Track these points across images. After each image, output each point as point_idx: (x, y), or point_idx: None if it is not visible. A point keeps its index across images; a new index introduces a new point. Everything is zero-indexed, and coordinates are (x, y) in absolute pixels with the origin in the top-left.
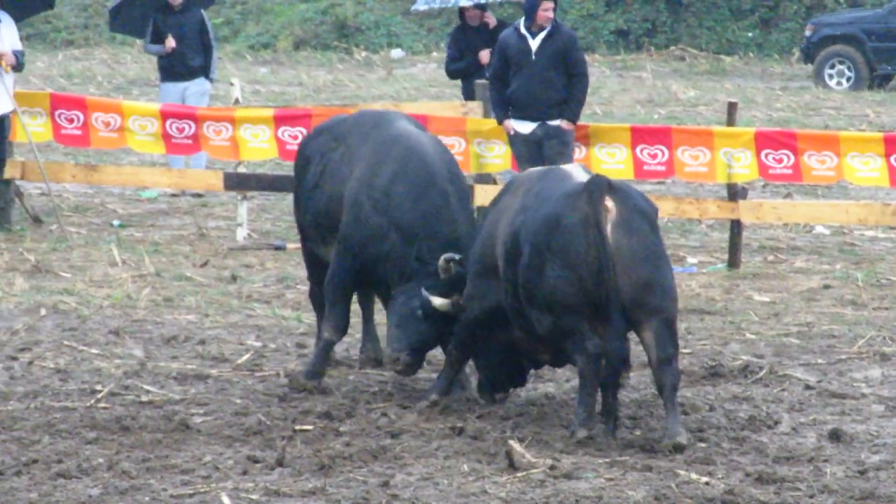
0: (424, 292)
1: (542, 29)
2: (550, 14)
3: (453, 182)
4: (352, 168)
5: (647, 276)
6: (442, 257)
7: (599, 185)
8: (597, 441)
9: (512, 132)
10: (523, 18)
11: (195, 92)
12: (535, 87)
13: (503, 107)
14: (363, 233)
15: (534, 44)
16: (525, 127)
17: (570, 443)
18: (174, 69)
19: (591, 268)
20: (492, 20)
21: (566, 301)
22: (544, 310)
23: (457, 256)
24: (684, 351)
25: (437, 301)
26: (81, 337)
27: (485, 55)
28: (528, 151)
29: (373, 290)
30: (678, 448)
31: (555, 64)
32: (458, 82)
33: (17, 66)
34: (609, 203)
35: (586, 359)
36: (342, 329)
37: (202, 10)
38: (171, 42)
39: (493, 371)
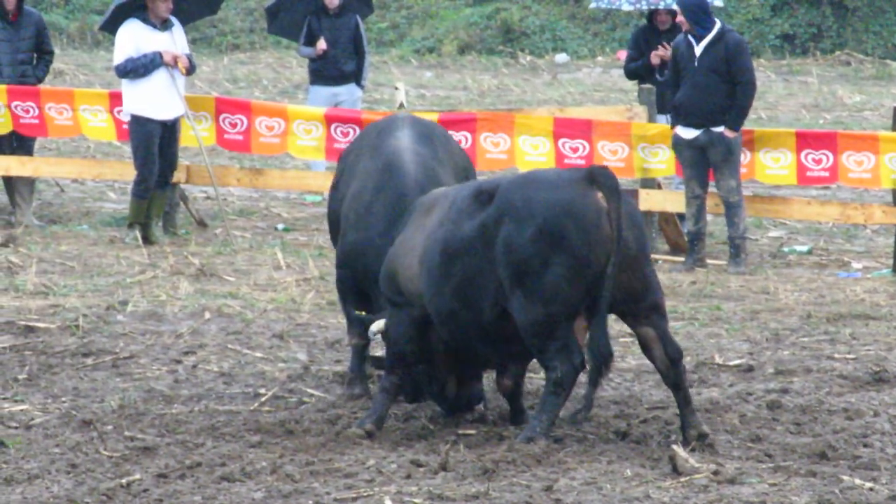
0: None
1: (705, 34)
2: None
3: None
4: (352, 178)
5: (649, 270)
6: None
7: (610, 177)
8: (763, 446)
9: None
10: None
11: (348, 100)
12: (697, 93)
13: (672, 111)
14: (347, 247)
15: (698, 50)
16: (688, 133)
17: (524, 449)
18: (325, 73)
19: (601, 261)
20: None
21: (568, 293)
22: (535, 298)
23: None
24: (848, 356)
25: (374, 326)
26: (245, 340)
27: (654, 56)
28: (693, 156)
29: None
30: (703, 437)
31: (717, 71)
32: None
33: (191, 69)
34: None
35: (570, 369)
36: (366, 334)
37: (357, 17)
38: (322, 44)
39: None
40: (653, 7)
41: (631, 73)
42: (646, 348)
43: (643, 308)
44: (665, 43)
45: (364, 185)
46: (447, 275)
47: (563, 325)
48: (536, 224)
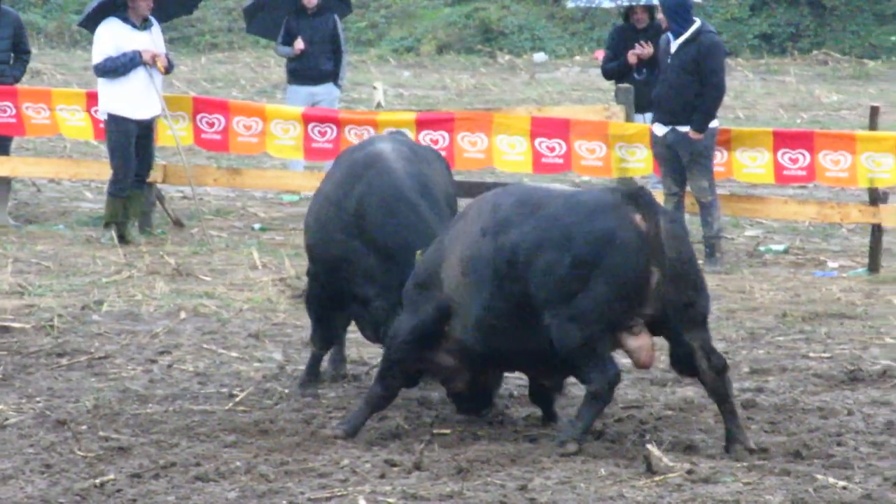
0: None
1: (681, 31)
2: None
3: (426, 194)
4: (325, 188)
5: (696, 280)
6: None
7: (647, 198)
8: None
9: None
10: None
11: (326, 99)
12: (667, 91)
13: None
14: (333, 253)
15: (673, 47)
16: (660, 130)
17: (557, 454)
18: (304, 72)
19: (643, 284)
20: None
21: (606, 316)
22: (572, 321)
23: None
24: (823, 355)
25: None
26: (221, 340)
27: (631, 55)
28: (666, 154)
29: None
30: (751, 453)
31: (687, 70)
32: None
33: (169, 68)
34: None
35: (606, 382)
36: (329, 344)
37: (336, 16)
38: (299, 44)
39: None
40: (632, 3)
41: (608, 73)
42: (687, 361)
43: (688, 318)
44: (643, 42)
45: (349, 189)
46: (489, 289)
47: (598, 339)
48: (575, 254)
